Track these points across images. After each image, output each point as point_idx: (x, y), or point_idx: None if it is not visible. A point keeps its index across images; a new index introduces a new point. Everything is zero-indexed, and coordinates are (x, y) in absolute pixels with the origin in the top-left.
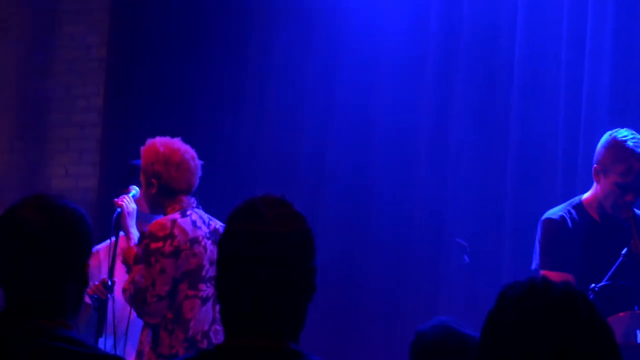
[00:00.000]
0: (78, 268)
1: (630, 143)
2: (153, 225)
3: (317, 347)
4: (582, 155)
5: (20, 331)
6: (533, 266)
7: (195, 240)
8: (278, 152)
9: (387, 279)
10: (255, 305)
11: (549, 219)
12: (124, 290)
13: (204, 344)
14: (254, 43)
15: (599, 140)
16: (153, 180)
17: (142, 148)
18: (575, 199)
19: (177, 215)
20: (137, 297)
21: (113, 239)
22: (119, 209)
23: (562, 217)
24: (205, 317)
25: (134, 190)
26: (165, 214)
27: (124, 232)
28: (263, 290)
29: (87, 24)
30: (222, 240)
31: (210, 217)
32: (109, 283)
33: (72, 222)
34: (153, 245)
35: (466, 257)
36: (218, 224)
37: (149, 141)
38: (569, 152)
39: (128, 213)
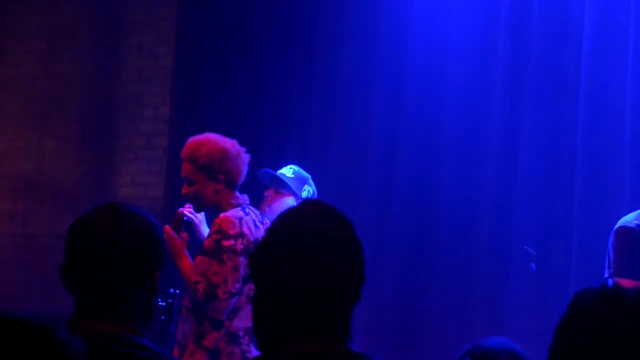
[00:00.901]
0: (148, 276)
1: None
2: (223, 221)
3: (381, 353)
4: None
5: (90, 336)
6: (606, 274)
7: (256, 242)
8: (346, 164)
9: (454, 286)
10: (306, 310)
11: (624, 227)
12: (194, 283)
13: (246, 340)
14: (321, 56)
15: None
16: (220, 175)
17: (196, 147)
18: None
19: (241, 213)
20: (209, 293)
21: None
22: (185, 218)
23: (637, 225)
24: (249, 314)
25: None
26: (221, 209)
27: (199, 238)
28: (315, 294)
29: (154, 34)
30: (273, 242)
31: (262, 216)
32: (172, 291)
33: (144, 231)
34: (225, 243)
35: (533, 265)
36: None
37: (202, 138)
38: (636, 160)
39: (198, 220)
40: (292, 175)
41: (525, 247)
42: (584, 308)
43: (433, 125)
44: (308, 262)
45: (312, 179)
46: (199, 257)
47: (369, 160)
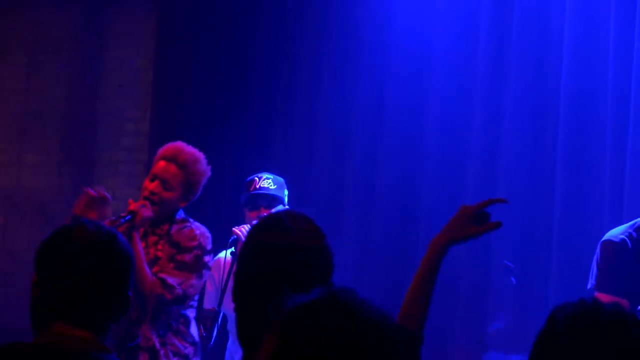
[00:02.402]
0: (121, 291)
1: None
2: (201, 237)
3: None
4: (629, 177)
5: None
6: (589, 285)
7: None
8: (327, 174)
9: (434, 300)
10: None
11: (609, 241)
12: (171, 287)
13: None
14: (302, 67)
15: None
16: (191, 197)
17: (193, 160)
18: (637, 220)
19: (204, 228)
20: (180, 300)
21: (229, 260)
22: (234, 236)
23: (622, 239)
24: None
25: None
26: (166, 221)
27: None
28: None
29: (134, 48)
30: (246, 252)
31: None
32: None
33: (115, 251)
34: (205, 259)
35: (513, 279)
36: None
37: (197, 153)
38: (617, 172)
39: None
40: (275, 186)
41: (505, 262)
42: (562, 322)
43: (414, 132)
44: (282, 269)
45: (293, 194)
46: (177, 271)
47: (350, 172)
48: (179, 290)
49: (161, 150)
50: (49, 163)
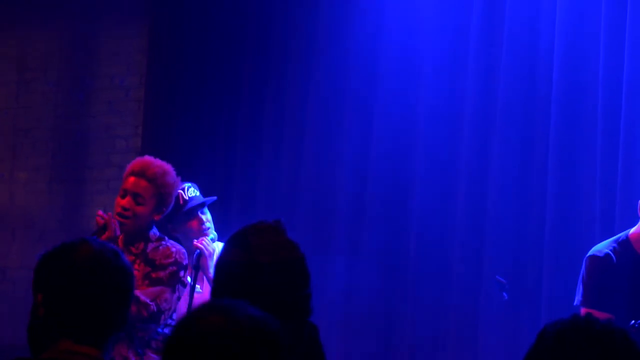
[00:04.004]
0: (123, 306)
1: None
2: (178, 254)
3: None
4: (620, 191)
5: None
6: (575, 302)
7: None
8: (318, 189)
9: (425, 315)
10: None
11: (593, 256)
12: (146, 305)
13: None
14: (292, 82)
15: (637, 177)
16: (164, 209)
17: (162, 173)
18: (622, 235)
19: (179, 245)
20: (154, 316)
21: (189, 279)
22: (198, 251)
23: (607, 254)
24: None
25: (213, 234)
26: (141, 238)
27: (203, 272)
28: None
29: (125, 65)
30: (215, 270)
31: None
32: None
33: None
34: (180, 274)
35: (505, 294)
36: None
37: (165, 165)
38: (609, 184)
39: (209, 254)
40: (198, 192)
41: (497, 277)
42: (552, 337)
43: (404, 138)
44: (245, 288)
45: (284, 202)
46: (150, 287)
47: (340, 181)
48: (153, 307)
49: (129, 166)
50: (40, 180)
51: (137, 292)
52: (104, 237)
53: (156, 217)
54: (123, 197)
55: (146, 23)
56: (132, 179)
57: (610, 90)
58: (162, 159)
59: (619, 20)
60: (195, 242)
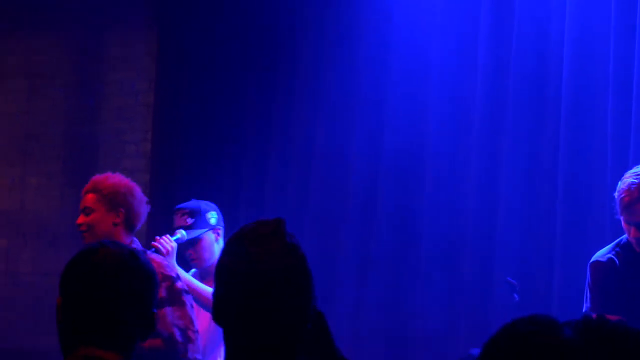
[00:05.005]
0: (146, 312)
1: (626, 180)
2: (159, 267)
3: None
4: None
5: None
6: (584, 309)
7: None
8: (327, 192)
9: (436, 317)
10: (252, 339)
11: (597, 262)
12: (168, 337)
13: None
14: (301, 85)
15: None
16: (121, 209)
17: (102, 179)
18: (623, 237)
19: (159, 257)
20: (185, 338)
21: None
22: (153, 249)
23: (609, 258)
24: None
25: (180, 234)
26: None
27: None
28: (258, 323)
29: (134, 71)
30: (215, 276)
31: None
32: None
33: (141, 271)
34: (177, 285)
35: (516, 296)
36: None
37: (110, 174)
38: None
39: (166, 252)
40: (193, 220)
41: (508, 279)
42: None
43: (415, 142)
44: (243, 294)
45: (294, 207)
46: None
47: (350, 187)
48: (175, 334)
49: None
50: (51, 186)
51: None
52: None
53: (117, 220)
54: (79, 217)
55: (155, 28)
56: (81, 200)
57: (621, 90)
58: (172, 163)
59: (629, 20)
60: (153, 242)
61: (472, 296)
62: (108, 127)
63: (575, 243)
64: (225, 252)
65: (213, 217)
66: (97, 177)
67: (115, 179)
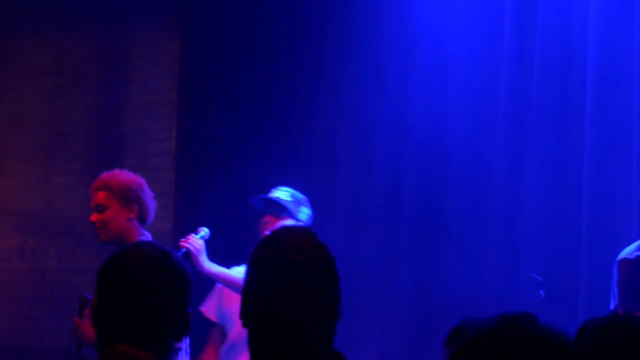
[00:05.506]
0: (181, 312)
1: None
2: None
3: None
4: None
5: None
6: (612, 306)
7: None
8: (351, 188)
9: (461, 313)
10: (280, 331)
11: (624, 260)
12: None
13: None
14: (325, 81)
15: None
16: (134, 204)
17: (111, 176)
18: None
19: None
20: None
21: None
22: (183, 250)
23: (638, 256)
24: None
25: (203, 231)
26: (126, 243)
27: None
28: (286, 316)
29: (158, 69)
30: (247, 269)
31: None
32: None
33: (176, 271)
34: None
35: (542, 292)
36: None
37: (117, 170)
38: None
39: (196, 250)
40: (290, 199)
41: (532, 274)
42: (593, 334)
43: (438, 138)
44: (277, 284)
45: (318, 202)
46: None
47: (373, 182)
48: None
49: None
50: (77, 185)
51: None
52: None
53: (131, 216)
54: (92, 214)
55: (178, 26)
56: (91, 198)
57: None
58: (196, 160)
59: None
60: (180, 242)
61: (497, 293)
62: (133, 126)
63: (601, 239)
64: (258, 246)
65: (304, 212)
66: (106, 175)
67: (125, 175)
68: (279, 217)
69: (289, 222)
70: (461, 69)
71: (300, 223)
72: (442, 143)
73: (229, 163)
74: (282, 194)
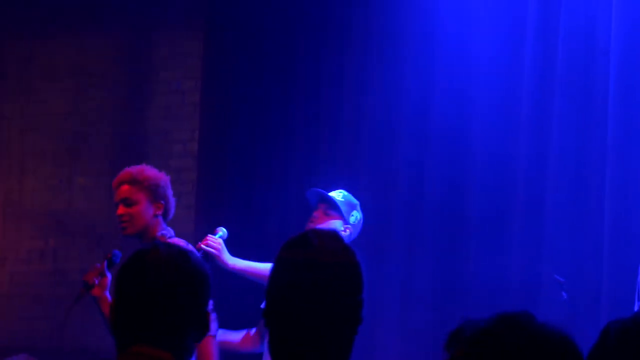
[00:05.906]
0: (200, 313)
1: None
2: None
3: None
4: None
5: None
6: (636, 306)
7: None
8: (375, 186)
9: (482, 314)
10: (303, 332)
11: None
12: None
13: None
14: (349, 81)
15: None
16: (162, 201)
17: (139, 170)
18: None
19: (183, 241)
20: None
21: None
22: (201, 252)
23: None
24: None
25: (221, 231)
26: (148, 238)
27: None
28: (309, 317)
29: (181, 70)
30: (273, 268)
31: None
32: None
33: (195, 272)
34: None
35: (564, 294)
36: None
37: (143, 165)
38: None
39: (217, 250)
40: (342, 199)
41: (556, 276)
42: (617, 335)
43: (461, 134)
44: (305, 285)
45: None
46: None
47: (397, 183)
48: None
49: (112, 184)
50: (99, 185)
51: None
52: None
53: (157, 211)
54: (117, 207)
55: (201, 27)
56: (116, 192)
57: None
58: (219, 162)
59: None
60: (198, 244)
61: (520, 295)
62: (155, 127)
63: (625, 237)
64: (285, 246)
65: (354, 216)
66: (133, 169)
67: (152, 171)
68: (328, 215)
69: (337, 222)
70: (484, 68)
71: (348, 226)
72: (465, 142)
73: (252, 164)
74: (336, 194)
